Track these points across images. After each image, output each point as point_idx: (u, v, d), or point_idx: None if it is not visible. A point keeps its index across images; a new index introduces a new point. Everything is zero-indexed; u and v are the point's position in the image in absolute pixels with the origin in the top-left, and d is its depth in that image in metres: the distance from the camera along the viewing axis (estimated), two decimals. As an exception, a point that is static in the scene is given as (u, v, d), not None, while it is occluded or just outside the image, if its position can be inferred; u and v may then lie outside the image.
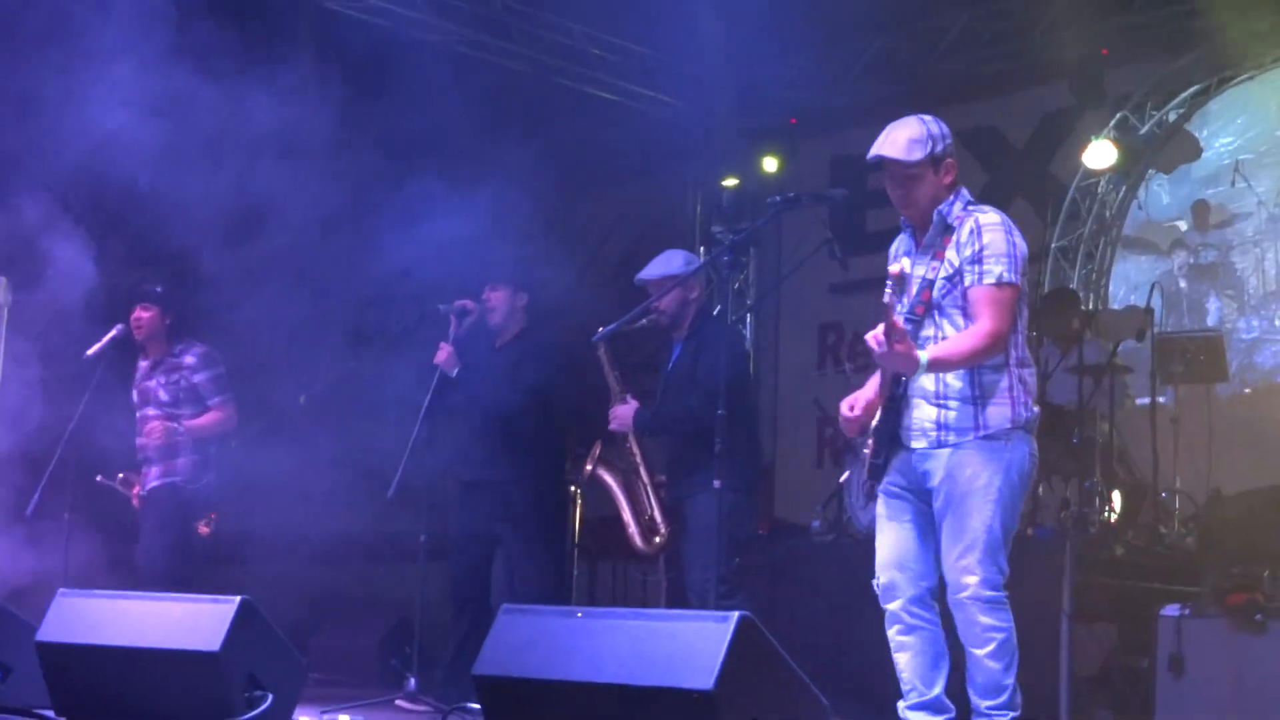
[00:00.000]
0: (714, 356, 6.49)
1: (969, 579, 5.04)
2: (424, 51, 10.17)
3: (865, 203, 10.26)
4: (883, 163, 5.21)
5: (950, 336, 5.08)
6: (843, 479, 8.73)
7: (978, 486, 5.04)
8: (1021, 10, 10.21)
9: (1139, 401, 9.15)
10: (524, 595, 7.09)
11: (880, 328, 4.89)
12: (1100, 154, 10.19)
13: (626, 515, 6.96)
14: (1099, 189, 10.72)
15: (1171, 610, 6.93)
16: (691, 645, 4.12)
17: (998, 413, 5.07)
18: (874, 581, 5.26)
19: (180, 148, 7.83)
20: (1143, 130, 10.43)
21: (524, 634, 4.53)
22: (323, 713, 6.15)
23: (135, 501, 7.93)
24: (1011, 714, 5.12)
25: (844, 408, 5.34)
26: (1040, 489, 8.40)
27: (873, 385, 5.36)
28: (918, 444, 5.14)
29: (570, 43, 10.89)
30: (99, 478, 7.91)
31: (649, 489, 6.92)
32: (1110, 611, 7.73)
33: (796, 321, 11.94)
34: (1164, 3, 9.78)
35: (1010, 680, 5.09)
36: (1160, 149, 10.54)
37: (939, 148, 5.19)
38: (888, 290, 4.90)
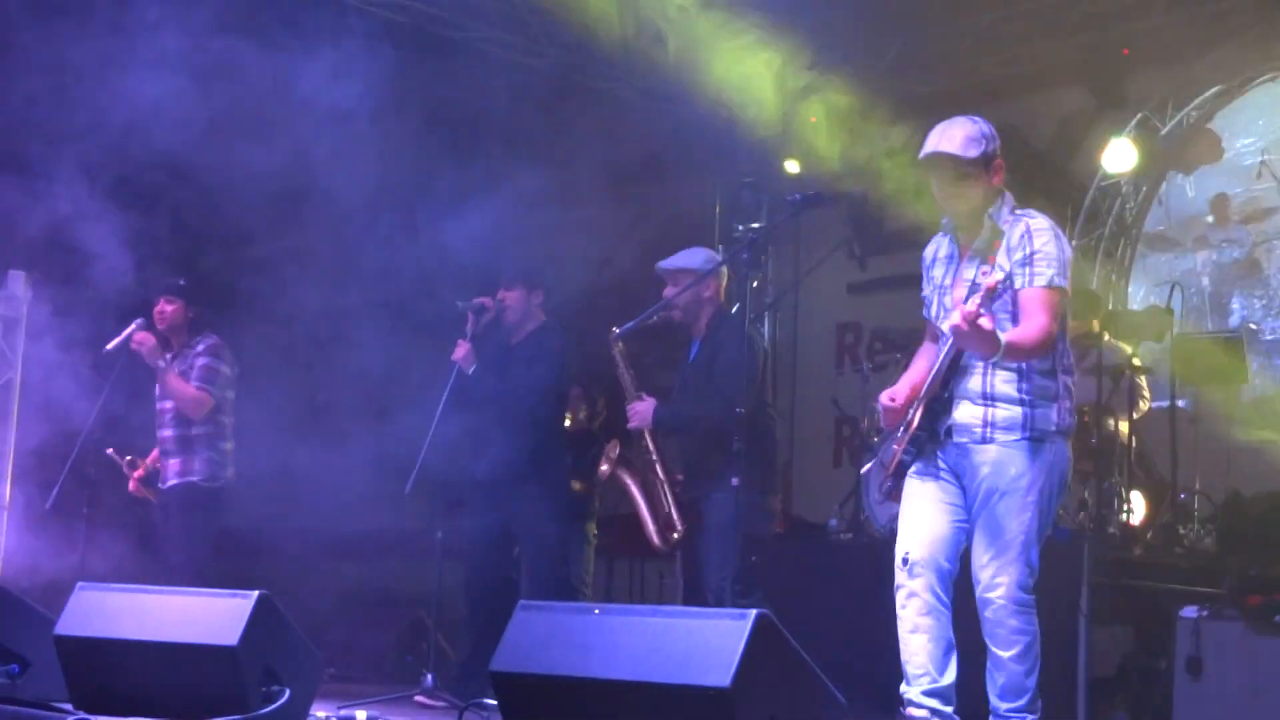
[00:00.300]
0: (731, 355, 6.49)
1: (1002, 578, 5.06)
2: (445, 49, 10.18)
3: (884, 202, 10.25)
4: (934, 160, 5.24)
5: (1014, 328, 5.07)
6: (864, 469, 8.70)
7: (1020, 487, 5.08)
8: (1043, 11, 10.18)
9: (1155, 405, 9.11)
10: (538, 593, 7.09)
11: (969, 303, 4.89)
12: (1120, 154, 10.17)
13: (644, 513, 6.96)
14: (1119, 189, 10.69)
15: (1190, 612, 6.90)
16: (709, 643, 4.12)
17: (1044, 416, 5.12)
18: (902, 555, 5.20)
19: (198, 147, 7.87)
20: (1164, 131, 10.39)
21: (541, 630, 4.53)
22: (340, 708, 6.15)
23: (132, 485, 7.94)
24: (1031, 717, 5.12)
25: (885, 399, 5.34)
26: (1058, 489, 8.38)
27: (909, 381, 5.37)
28: (961, 439, 5.17)
29: (590, 41, 10.87)
30: (109, 450, 7.93)
31: (665, 486, 6.91)
32: (1128, 612, 7.70)
33: (814, 320, 11.94)
34: (1186, 4, 9.74)
35: (1032, 683, 5.10)
36: (1181, 150, 10.51)
37: (990, 147, 5.26)
38: (976, 299, 4.90)
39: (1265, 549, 7.42)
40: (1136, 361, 8.61)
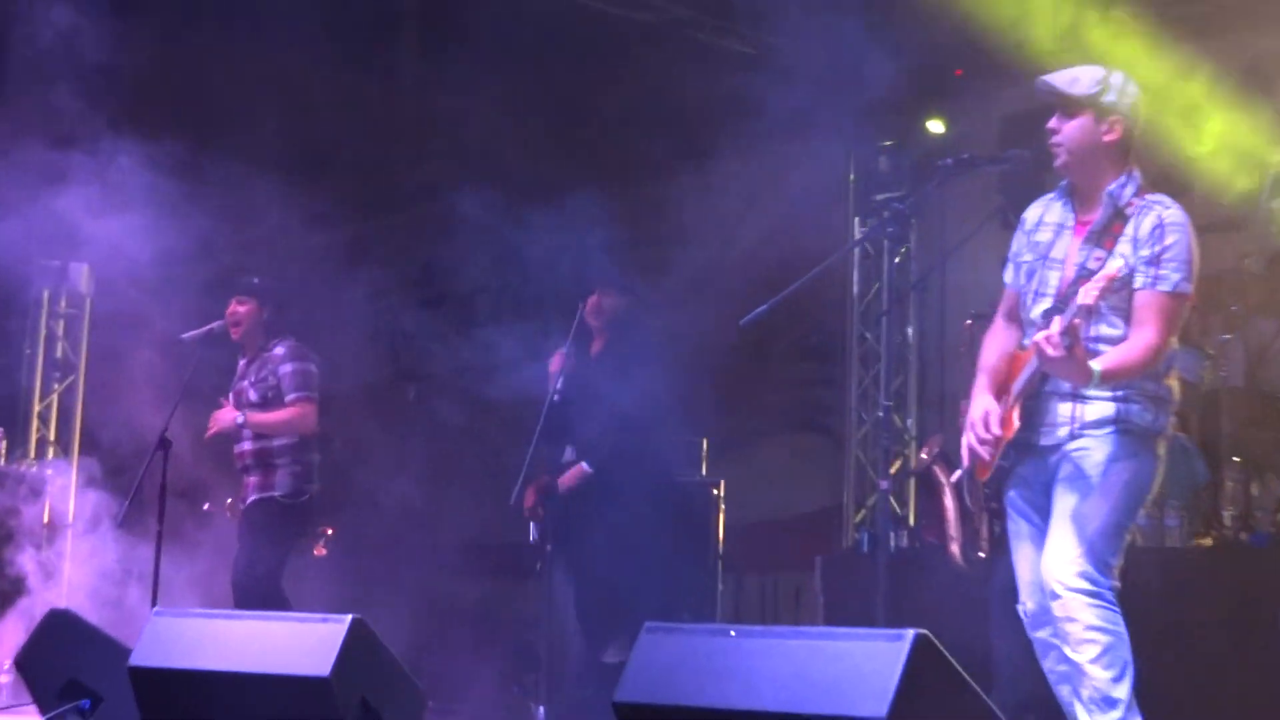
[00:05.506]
0: None
1: (1070, 567, 5.01)
2: (550, 8, 10.22)
3: (1043, 165, 10.08)
4: (1040, 93, 5.28)
5: (1115, 348, 5.06)
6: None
7: (1102, 473, 5.06)
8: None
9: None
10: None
11: (1055, 327, 4.86)
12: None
13: (950, 520, 6.76)
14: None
15: None
16: (861, 667, 4.06)
17: (1139, 412, 5.11)
18: (1019, 607, 5.30)
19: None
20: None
21: (670, 655, 4.49)
22: (443, 745, 6.18)
23: (229, 514, 8.05)
24: None
25: (983, 430, 5.27)
26: (1253, 488, 8.22)
27: (993, 382, 5.36)
28: (1048, 440, 5.19)
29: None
30: (205, 505, 8.06)
31: (985, 498, 6.68)
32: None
33: (964, 300, 11.78)
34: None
35: (1123, 694, 4.97)
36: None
37: (1111, 96, 5.20)
38: (1059, 321, 4.86)
39: None
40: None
